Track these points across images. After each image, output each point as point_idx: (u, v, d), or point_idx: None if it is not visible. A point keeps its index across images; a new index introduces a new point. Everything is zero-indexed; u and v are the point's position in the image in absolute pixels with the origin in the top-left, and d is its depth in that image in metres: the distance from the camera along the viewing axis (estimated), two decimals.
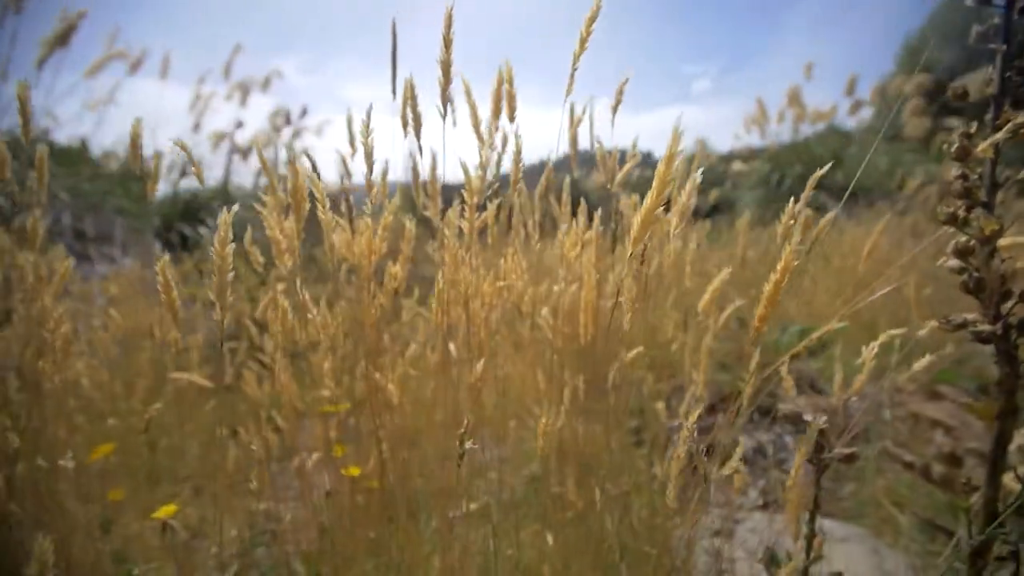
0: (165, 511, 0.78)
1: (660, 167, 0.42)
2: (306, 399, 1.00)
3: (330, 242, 0.72)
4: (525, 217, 0.88)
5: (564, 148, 0.86)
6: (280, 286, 0.88)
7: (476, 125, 0.73)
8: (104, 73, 2.49)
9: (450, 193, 0.74)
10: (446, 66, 0.64)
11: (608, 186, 0.85)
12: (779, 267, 0.47)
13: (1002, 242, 0.57)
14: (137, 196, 3.56)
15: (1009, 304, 0.57)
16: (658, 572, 0.83)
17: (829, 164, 0.55)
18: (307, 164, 0.70)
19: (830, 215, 0.65)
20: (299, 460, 0.99)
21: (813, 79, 4.97)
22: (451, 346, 0.85)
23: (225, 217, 0.53)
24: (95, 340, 1.46)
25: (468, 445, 0.56)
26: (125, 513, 1.08)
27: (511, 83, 0.72)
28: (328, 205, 0.65)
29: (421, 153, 0.75)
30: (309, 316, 0.71)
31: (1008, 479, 0.60)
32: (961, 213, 0.59)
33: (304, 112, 4.66)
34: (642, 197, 0.46)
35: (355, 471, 0.89)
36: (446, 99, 0.67)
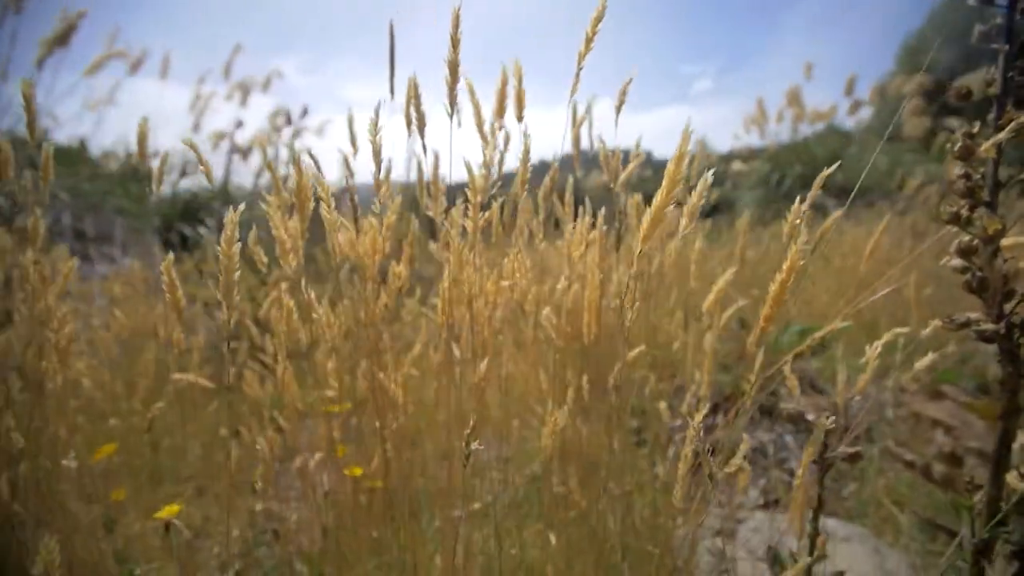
0: (168, 511, 0.78)
1: (670, 166, 0.42)
2: (308, 399, 1.00)
3: (334, 241, 0.72)
4: (529, 216, 0.89)
5: (567, 147, 0.86)
6: (284, 286, 0.88)
7: (480, 124, 0.73)
8: (104, 73, 2.49)
9: (452, 193, 0.74)
10: (453, 66, 0.64)
11: (611, 186, 0.85)
12: (785, 267, 0.47)
13: (1005, 242, 0.58)
14: (137, 196, 3.56)
15: (1012, 303, 0.57)
16: (660, 572, 0.83)
17: (836, 165, 0.55)
18: (310, 163, 0.70)
19: (836, 215, 0.66)
20: (301, 460, 0.99)
21: (812, 79, 4.99)
22: (454, 346, 0.85)
23: (231, 216, 0.53)
24: (96, 340, 1.46)
25: (474, 446, 0.56)
26: (127, 513, 1.08)
27: (520, 81, 0.73)
28: (333, 204, 0.65)
29: (426, 152, 0.75)
30: (314, 316, 0.71)
31: (1011, 478, 0.60)
32: (964, 212, 0.59)
33: (304, 112, 4.65)
34: (645, 197, 0.46)
35: (357, 471, 0.90)
36: (453, 98, 0.67)
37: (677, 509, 0.64)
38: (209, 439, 1.37)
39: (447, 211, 0.73)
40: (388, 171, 0.73)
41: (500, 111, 0.74)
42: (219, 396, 1.38)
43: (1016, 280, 0.57)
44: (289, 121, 4.60)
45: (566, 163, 0.91)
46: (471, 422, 0.57)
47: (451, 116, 0.69)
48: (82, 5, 1.36)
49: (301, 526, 1.06)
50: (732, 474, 0.68)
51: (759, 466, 1.48)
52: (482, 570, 0.85)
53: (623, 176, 0.83)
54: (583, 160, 0.99)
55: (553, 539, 0.87)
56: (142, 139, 0.79)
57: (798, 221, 0.57)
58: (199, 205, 3.97)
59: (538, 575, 0.88)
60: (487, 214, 0.76)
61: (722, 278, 0.77)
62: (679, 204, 0.48)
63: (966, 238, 0.59)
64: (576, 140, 0.93)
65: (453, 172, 0.75)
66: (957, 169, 0.60)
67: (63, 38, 1.32)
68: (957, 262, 0.60)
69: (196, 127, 4.12)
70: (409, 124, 0.73)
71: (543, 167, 0.93)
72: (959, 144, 0.59)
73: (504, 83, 0.74)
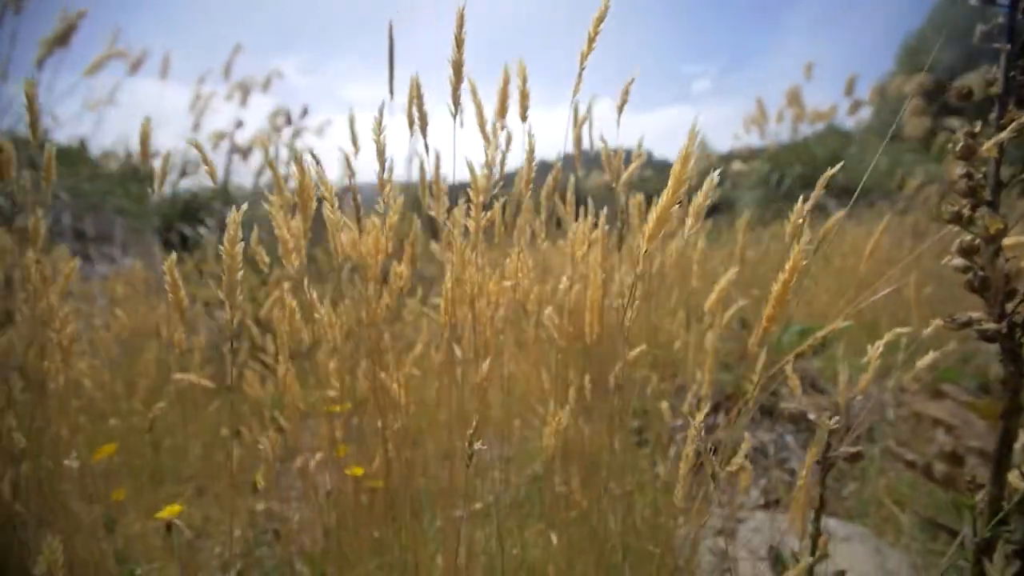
0: (169, 511, 0.78)
1: (676, 166, 0.43)
2: (309, 399, 1.00)
3: (336, 241, 0.72)
4: (531, 216, 0.89)
5: (568, 147, 0.86)
6: (286, 285, 0.88)
7: (482, 124, 0.73)
8: (104, 73, 2.49)
9: (455, 193, 0.75)
10: (457, 66, 0.64)
11: (613, 185, 0.85)
12: (788, 267, 0.48)
13: (1007, 241, 0.58)
14: (137, 196, 3.55)
15: (1014, 303, 0.57)
16: (661, 571, 0.83)
17: (839, 165, 0.55)
18: (312, 163, 0.70)
19: (838, 215, 0.66)
20: (302, 460, 0.99)
21: (813, 79, 4.99)
22: (455, 346, 0.85)
23: (234, 216, 0.53)
24: (96, 340, 1.46)
25: (477, 446, 0.56)
26: (128, 513, 1.08)
27: (524, 81, 0.73)
28: (336, 204, 0.65)
29: (428, 152, 0.75)
30: (316, 316, 0.71)
31: (1013, 477, 0.60)
32: (966, 212, 0.59)
33: (304, 112, 4.65)
34: (646, 196, 0.46)
35: (359, 471, 0.90)
36: (457, 98, 0.67)
37: (678, 509, 0.64)
38: (210, 439, 1.37)
39: (449, 211, 0.73)
40: (391, 171, 0.73)
41: (502, 111, 0.74)
42: (220, 396, 1.38)
43: (1018, 279, 0.57)
44: (289, 121, 4.60)
45: (567, 163, 0.91)
46: (474, 422, 0.57)
47: (455, 116, 0.69)
48: (82, 5, 1.36)
49: (302, 526, 1.06)
50: (733, 474, 0.68)
51: (760, 466, 1.48)
52: (484, 570, 0.85)
53: (625, 176, 0.83)
54: (584, 160, 0.99)
55: (555, 539, 0.87)
56: (145, 139, 0.79)
57: (801, 221, 0.57)
58: (199, 205, 3.97)
59: (539, 575, 0.88)
60: (489, 214, 0.76)
61: (724, 278, 0.77)
62: (680, 204, 0.48)
63: (968, 237, 0.59)
64: (578, 140, 0.93)
65: (455, 172, 0.75)
66: (959, 169, 0.60)
67: (63, 38, 1.32)
68: (959, 261, 0.60)
69: (196, 127, 4.13)
70: (411, 124, 0.73)
71: (545, 167, 0.93)
72: (961, 143, 0.59)
73: (506, 82, 0.74)
